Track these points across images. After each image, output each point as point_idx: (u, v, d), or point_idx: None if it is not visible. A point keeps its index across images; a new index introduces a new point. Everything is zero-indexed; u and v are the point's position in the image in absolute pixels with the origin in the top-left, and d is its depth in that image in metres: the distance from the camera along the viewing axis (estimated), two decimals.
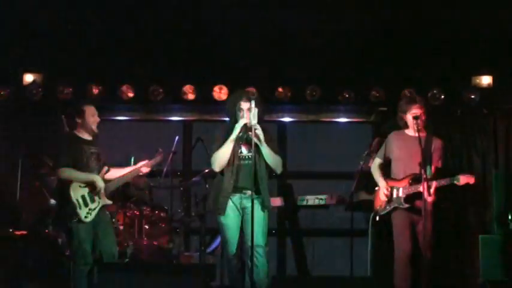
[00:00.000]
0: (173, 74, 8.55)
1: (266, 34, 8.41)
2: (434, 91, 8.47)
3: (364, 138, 8.56)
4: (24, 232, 7.58)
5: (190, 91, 8.50)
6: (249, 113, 6.03)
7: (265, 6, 8.19)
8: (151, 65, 8.55)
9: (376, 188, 7.03)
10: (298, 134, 9.23)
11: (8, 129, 8.57)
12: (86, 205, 6.42)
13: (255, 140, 6.00)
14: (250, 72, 8.48)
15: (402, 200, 6.71)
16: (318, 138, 9.19)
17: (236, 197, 6.21)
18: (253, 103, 5.95)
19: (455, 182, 6.58)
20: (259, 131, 6.06)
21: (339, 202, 7.92)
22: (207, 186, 7.69)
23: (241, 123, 6.12)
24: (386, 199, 6.83)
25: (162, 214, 7.86)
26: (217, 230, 7.80)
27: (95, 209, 6.46)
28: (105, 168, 6.66)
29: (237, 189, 6.20)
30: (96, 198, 6.49)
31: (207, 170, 7.55)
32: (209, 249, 7.94)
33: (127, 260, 7.40)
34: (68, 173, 6.44)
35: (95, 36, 8.46)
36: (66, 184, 6.43)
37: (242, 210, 6.22)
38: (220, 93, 8.39)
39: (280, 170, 6.31)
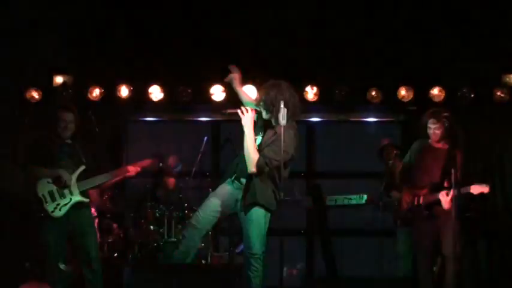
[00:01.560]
0: (201, 74, 8.57)
1: (294, 34, 8.40)
2: (464, 90, 8.40)
3: (393, 137, 8.51)
4: None
5: (218, 92, 8.52)
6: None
7: (294, 4, 8.19)
8: (180, 65, 8.58)
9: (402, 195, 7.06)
10: (326, 134, 9.22)
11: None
12: (53, 200, 6.47)
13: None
14: (278, 71, 8.46)
15: (423, 208, 6.75)
16: (346, 138, 9.17)
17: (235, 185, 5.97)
18: (282, 103, 5.89)
19: (470, 191, 6.55)
20: (248, 115, 5.85)
21: (369, 202, 7.89)
22: None
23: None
24: (408, 207, 6.88)
25: (191, 214, 7.88)
26: None
27: (65, 204, 6.48)
28: (82, 167, 6.63)
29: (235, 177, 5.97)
30: (67, 194, 6.52)
31: None
32: (238, 250, 7.95)
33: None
34: (34, 170, 6.53)
35: (124, 38, 8.51)
36: (33, 180, 6.52)
37: (235, 202, 5.98)
38: None
39: (250, 170, 5.81)
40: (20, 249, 7.79)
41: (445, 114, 6.84)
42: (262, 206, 5.85)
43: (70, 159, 6.62)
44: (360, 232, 8.79)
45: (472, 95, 8.41)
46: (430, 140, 6.88)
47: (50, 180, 6.52)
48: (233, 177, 5.98)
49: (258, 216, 5.87)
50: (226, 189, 5.97)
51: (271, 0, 8.39)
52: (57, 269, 6.50)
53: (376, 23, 8.35)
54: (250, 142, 5.83)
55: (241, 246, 7.96)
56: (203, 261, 7.57)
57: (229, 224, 7.70)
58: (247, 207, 5.84)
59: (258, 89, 6.05)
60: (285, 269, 8.51)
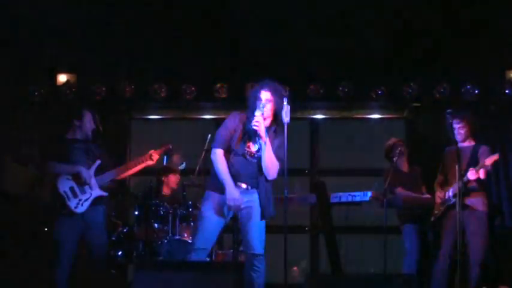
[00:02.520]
0: (205, 72, 8.57)
1: (297, 31, 8.39)
2: (468, 86, 8.38)
3: (397, 134, 8.50)
4: None
5: (222, 89, 8.52)
6: (267, 104, 5.75)
7: (295, 2, 8.19)
8: (183, 63, 8.58)
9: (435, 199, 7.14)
10: (330, 131, 9.22)
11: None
12: (75, 196, 6.53)
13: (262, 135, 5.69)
14: (282, 69, 8.47)
15: (451, 197, 6.83)
16: (350, 135, 9.16)
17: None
18: (285, 100, 5.87)
19: (485, 164, 6.65)
20: (262, 123, 5.70)
21: (373, 199, 7.89)
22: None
23: (257, 114, 5.72)
24: (440, 202, 6.98)
25: (195, 212, 7.88)
26: None
27: (86, 200, 6.54)
28: (98, 161, 6.70)
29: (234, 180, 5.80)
30: (87, 189, 6.57)
31: None
32: (242, 248, 7.94)
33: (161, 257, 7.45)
34: (53, 166, 6.58)
35: (127, 36, 8.52)
36: (53, 178, 6.58)
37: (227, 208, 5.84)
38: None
39: (272, 178, 5.85)
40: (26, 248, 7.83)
41: (465, 113, 6.97)
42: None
43: (85, 156, 6.69)
44: (364, 229, 8.79)
45: (476, 91, 8.39)
46: (456, 143, 6.81)
47: (69, 176, 6.56)
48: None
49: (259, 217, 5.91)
50: (217, 199, 5.85)
51: None
52: (68, 267, 6.54)
53: (381, 20, 8.33)
54: (270, 149, 5.79)
55: None
56: (207, 259, 7.57)
57: (233, 223, 7.71)
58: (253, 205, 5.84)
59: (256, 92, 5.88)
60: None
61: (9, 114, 8.64)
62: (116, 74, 8.61)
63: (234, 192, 5.73)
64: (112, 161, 6.90)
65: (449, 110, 6.70)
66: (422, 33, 8.39)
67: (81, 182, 6.57)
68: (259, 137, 5.77)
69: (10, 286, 7.42)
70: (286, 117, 5.83)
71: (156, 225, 7.68)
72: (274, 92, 5.81)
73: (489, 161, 6.68)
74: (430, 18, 8.31)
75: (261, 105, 5.76)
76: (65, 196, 6.53)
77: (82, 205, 6.54)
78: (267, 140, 5.77)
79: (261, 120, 5.71)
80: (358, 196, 7.86)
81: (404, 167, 7.70)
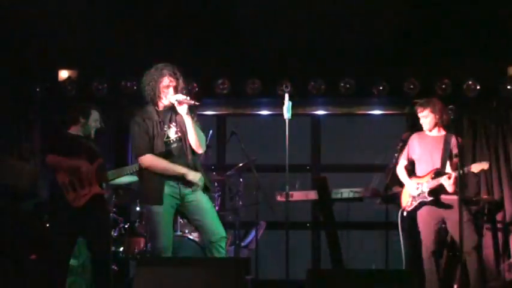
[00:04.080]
0: (206, 68, 8.56)
1: (299, 27, 8.38)
2: (470, 82, 8.38)
3: (398, 130, 8.49)
4: None
5: (224, 85, 8.52)
6: (172, 91, 5.86)
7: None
8: (184, 60, 8.57)
9: (403, 189, 7.13)
10: (332, 127, 9.23)
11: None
12: (74, 190, 6.52)
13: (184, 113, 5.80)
14: (283, 65, 8.47)
15: (426, 194, 6.83)
16: (352, 131, 9.17)
17: (171, 184, 5.88)
18: (287, 96, 5.88)
19: (471, 170, 6.71)
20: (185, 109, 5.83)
21: (373, 195, 7.89)
22: (241, 180, 7.72)
23: (173, 98, 5.84)
24: (412, 196, 6.94)
25: None
26: (252, 224, 7.89)
27: (84, 195, 6.53)
28: (100, 160, 6.72)
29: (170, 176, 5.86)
30: (86, 185, 6.56)
31: (241, 164, 7.57)
32: (244, 243, 7.96)
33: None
34: (54, 159, 6.59)
35: (128, 32, 8.50)
36: (53, 170, 6.60)
37: (181, 198, 5.92)
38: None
39: (204, 149, 6.02)
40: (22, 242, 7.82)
41: (431, 101, 6.98)
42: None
43: (89, 153, 6.69)
44: (366, 225, 8.80)
45: (478, 88, 8.38)
46: (427, 131, 7.02)
47: (69, 171, 6.56)
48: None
49: (208, 199, 6.00)
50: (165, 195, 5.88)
51: None
52: (67, 262, 6.56)
53: (382, 16, 8.32)
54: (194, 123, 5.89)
55: (248, 240, 8.00)
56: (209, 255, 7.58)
57: (235, 218, 7.72)
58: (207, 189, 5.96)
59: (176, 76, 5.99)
60: None
61: (10, 110, 8.64)
62: (118, 71, 8.59)
63: (190, 173, 5.81)
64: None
65: (414, 101, 6.94)
66: (424, 29, 8.37)
67: (80, 177, 6.57)
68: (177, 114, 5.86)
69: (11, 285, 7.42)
70: (288, 112, 5.83)
71: None
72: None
73: (476, 168, 6.70)
74: (431, 14, 8.29)
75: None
76: (64, 188, 6.52)
77: (79, 200, 6.52)
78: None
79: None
80: (359, 192, 7.89)
81: None
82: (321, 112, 9.15)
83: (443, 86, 8.36)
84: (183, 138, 5.89)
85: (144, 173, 5.93)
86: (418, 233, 7.01)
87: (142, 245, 7.66)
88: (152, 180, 5.88)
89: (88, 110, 6.78)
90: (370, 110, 9.14)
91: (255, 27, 8.39)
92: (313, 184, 8.64)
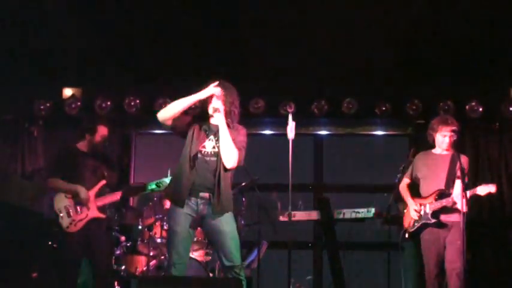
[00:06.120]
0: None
1: (303, 47, 8.41)
2: (472, 103, 8.40)
3: (401, 151, 8.51)
4: None
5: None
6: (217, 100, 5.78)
7: (303, 16, 8.21)
8: (188, 80, 8.58)
9: (405, 210, 7.07)
10: (334, 147, 9.23)
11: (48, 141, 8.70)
12: (69, 216, 6.54)
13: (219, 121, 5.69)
14: (287, 85, 8.50)
15: (429, 216, 6.76)
16: (354, 151, 9.17)
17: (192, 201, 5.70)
18: (290, 116, 5.88)
19: (477, 192, 6.60)
20: (220, 117, 5.71)
21: (376, 216, 7.88)
22: (243, 199, 7.71)
23: (207, 92, 5.83)
24: (415, 217, 6.88)
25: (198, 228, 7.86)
26: (254, 243, 7.87)
27: (81, 220, 6.55)
28: (103, 182, 6.73)
29: (193, 191, 5.68)
30: (84, 209, 6.57)
31: (243, 184, 7.56)
32: (246, 262, 7.93)
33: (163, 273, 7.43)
34: (54, 183, 6.62)
35: (131, 51, 8.54)
36: (53, 194, 6.63)
37: (201, 216, 5.70)
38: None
39: (234, 165, 5.72)
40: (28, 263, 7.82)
41: (454, 120, 6.89)
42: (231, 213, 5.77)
43: (93, 173, 6.72)
44: (368, 245, 8.78)
45: (481, 109, 8.40)
46: (433, 150, 6.93)
47: (67, 195, 6.56)
48: (195, 191, 5.71)
49: (233, 226, 5.76)
50: (180, 213, 5.71)
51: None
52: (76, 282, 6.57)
53: (385, 37, 8.34)
54: (229, 135, 5.72)
55: (250, 258, 7.96)
56: (211, 274, 7.56)
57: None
58: (217, 216, 5.67)
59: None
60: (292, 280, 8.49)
61: (15, 128, 8.67)
62: (122, 88, 8.63)
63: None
64: (118, 181, 6.92)
65: (440, 118, 6.88)
66: (427, 50, 8.41)
67: (78, 202, 6.58)
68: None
69: None
70: (291, 132, 5.83)
71: (159, 240, 7.68)
72: None
73: (483, 191, 6.59)
74: (434, 36, 8.32)
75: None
76: (59, 214, 6.55)
77: (75, 225, 6.55)
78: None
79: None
80: (362, 212, 7.86)
81: None
82: (323, 132, 9.17)
83: (446, 107, 8.38)
84: (218, 153, 5.74)
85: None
86: (421, 255, 6.94)
87: (144, 264, 7.63)
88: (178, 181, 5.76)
89: (94, 126, 6.79)
90: (373, 131, 9.15)
91: (258, 48, 8.42)
92: (316, 204, 8.63)
